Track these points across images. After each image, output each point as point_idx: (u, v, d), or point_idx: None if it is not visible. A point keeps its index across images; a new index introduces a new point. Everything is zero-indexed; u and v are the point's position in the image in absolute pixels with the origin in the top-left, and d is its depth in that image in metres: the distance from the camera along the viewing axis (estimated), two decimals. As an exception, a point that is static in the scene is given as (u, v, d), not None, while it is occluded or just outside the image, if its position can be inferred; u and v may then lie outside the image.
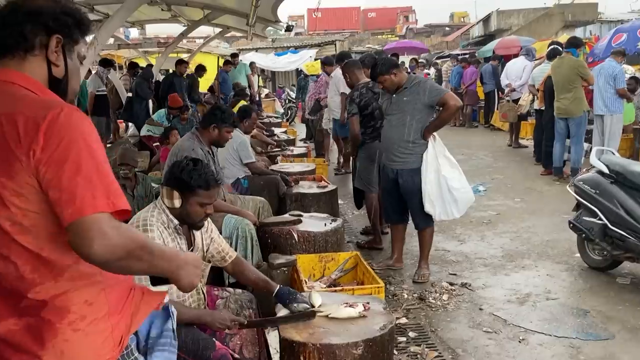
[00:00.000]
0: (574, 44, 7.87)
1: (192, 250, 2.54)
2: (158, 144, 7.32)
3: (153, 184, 5.06)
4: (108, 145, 9.34)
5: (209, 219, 2.63)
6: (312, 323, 2.51)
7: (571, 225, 4.58)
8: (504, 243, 5.31)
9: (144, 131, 8.34)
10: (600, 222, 4.26)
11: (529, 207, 6.51)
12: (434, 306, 3.96)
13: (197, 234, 2.60)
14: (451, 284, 4.31)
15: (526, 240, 5.37)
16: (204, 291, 2.58)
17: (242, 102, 9.71)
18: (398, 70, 4.37)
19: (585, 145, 7.56)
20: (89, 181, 1.27)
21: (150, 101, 10.15)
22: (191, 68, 12.15)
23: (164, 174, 2.51)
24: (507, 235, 5.55)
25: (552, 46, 8.61)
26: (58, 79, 1.43)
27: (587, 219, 4.38)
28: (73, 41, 1.46)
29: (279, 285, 2.69)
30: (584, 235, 4.44)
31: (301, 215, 4.27)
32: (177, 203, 2.43)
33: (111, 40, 12.98)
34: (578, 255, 4.70)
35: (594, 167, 4.57)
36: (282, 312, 2.62)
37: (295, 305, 2.58)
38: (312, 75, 11.83)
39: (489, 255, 5.00)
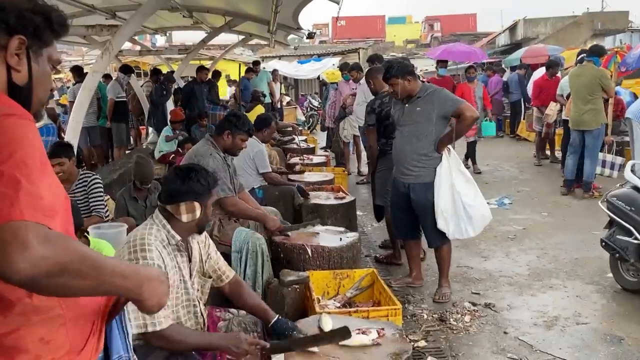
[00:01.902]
0: (597, 52, 7.47)
1: (191, 264, 2.38)
2: (173, 155, 7.23)
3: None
4: (127, 151, 9.32)
5: (207, 235, 2.47)
6: (320, 351, 2.31)
7: (603, 243, 4.32)
8: (530, 260, 5.04)
9: (156, 154, 7.85)
10: (635, 241, 4.02)
11: (557, 222, 6.22)
12: (455, 328, 3.73)
13: (195, 247, 2.44)
14: (474, 304, 4.07)
15: (554, 257, 5.09)
16: (204, 314, 2.39)
17: (259, 107, 9.60)
18: (413, 77, 4.16)
19: (620, 159, 7.19)
20: (12, 188, 1.05)
21: (168, 106, 10.05)
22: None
23: (165, 195, 2.36)
24: (533, 251, 5.28)
25: (581, 55, 8.28)
26: (19, 86, 1.24)
27: (621, 237, 4.13)
28: (42, 43, 1.27)
29: (277, 316, 2.50)
30: (617, 254, 4.18)
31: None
32: (198, 213, 2.31)
33: (137, 47, 13.05)
34: (610, 275, 4.42)
35: (628, 182, 4.32)
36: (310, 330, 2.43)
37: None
38: (332, 83, 11.65)
39: (514, 273, 4.75)
